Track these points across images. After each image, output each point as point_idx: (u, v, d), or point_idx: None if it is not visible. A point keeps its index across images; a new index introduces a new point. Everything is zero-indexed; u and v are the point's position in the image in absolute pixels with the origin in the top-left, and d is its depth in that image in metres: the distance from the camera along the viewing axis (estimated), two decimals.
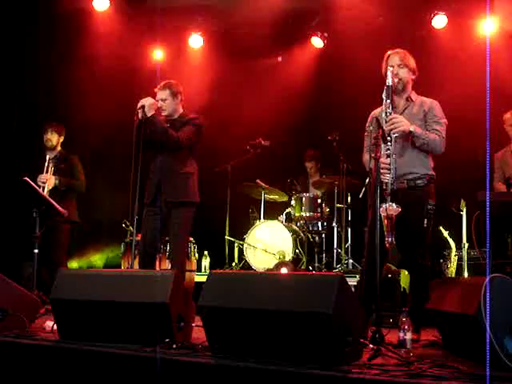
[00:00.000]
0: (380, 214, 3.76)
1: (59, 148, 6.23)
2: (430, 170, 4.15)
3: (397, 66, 4.14)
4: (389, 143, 3.93)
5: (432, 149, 4.08)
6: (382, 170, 3.87)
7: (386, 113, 4.02)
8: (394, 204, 3.77)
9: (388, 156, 3.93)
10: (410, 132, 3.99)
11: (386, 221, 3.78)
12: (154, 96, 4.95)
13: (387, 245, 3.77)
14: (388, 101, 4.02)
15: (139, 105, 4.71)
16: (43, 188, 5.76)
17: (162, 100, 4.94)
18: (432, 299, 3.77)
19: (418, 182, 4.07)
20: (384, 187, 3.87)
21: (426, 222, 4.03)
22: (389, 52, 4.24)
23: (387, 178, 3.89)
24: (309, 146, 7.68)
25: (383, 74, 4.19)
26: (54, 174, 5.92)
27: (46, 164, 5.93)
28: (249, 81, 7.76)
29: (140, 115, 4.67)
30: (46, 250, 5.70)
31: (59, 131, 6.24)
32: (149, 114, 4.69)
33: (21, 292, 4.21)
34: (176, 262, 4.88)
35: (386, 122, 3.97)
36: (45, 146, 6.18)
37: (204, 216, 7.38)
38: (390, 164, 3.91)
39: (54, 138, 6.19)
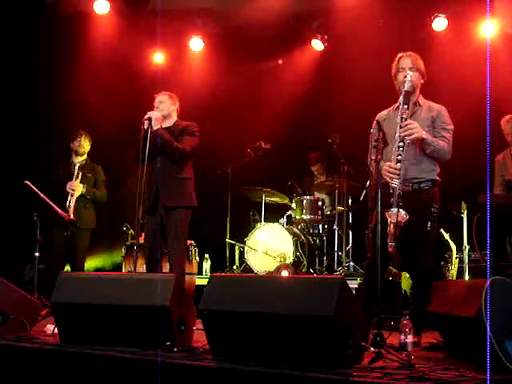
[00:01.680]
0: (386, 218, 3.79)
1: (86, 156, 6.30)
2: (436, 176, 4.16)
3: (408, 69, 4.13)
4: (401, 148, 3.94)
5: (440, 156, 4.10)
6: (390, 175, 3.91)
7: (402, 118, 4.01)
8: (402, 211, 3.79)
9: (399, 161, 3.94)
10: (423, 139, 4.00)
11: (392, 226, 3.80)
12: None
13: (390, 249, 3.79)
14: (405, 106, 4.01)
15: (146, 116, 4.91)
16: (71, 195, 5.90)
17: (160, 102, 5.15)
18: (433, 302, 3.77)
19: (423, 185, 4.09)
20: (391, 191, 3.90)
21: (429, 224, 4.04)
22: (400, 54, 4.23)
23: (395, 183, 3.91)
24: (309, 150, 7.68)
25: (393, 76, 4.21)
26: (81, 182, 6.04)
27: (76, 171, 6.04)
28: (249, 83, 7.77)
29: (146, 126, 4.87)
30: (71, 255, 6.02)
31: (90, 139, 6.33)
32: (155, 128, 4.89)
33: (22, 295, 4.21)
34: (175, 265, 4.91)
35: (400, 127, 3.98)
36: (76, 151, 6.24)
37: (205, 219, 7.40)
38: (399, 169, 3.92)
39: (86, 145, 6.29)
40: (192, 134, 5.09)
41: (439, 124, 4.12)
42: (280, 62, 8.39)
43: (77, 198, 5.94)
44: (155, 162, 5.02)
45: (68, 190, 5.91)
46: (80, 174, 6.03)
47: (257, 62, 8.10)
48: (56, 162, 6.43)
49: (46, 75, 7.37)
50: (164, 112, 5.11)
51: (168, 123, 5.15)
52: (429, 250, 4.10)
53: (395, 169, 3.91)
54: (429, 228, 4.03)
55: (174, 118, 5.23)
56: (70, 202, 5.86)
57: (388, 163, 3.95)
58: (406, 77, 4.05)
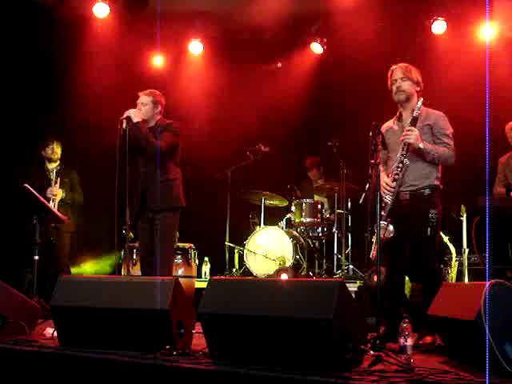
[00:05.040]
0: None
1: (59, 161, 6.41)
2: (437, 181, 4.18)
3: (399, 80, 4.22)
4: (399, 168, 4.04)
5: (442, 162, 4.15)
6: (386, 191, 4.07)
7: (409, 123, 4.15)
8: (391, 226, 4.00)
9: (395, 180, 4.07)
10: (419, 148, 4.04)
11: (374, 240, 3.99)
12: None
13: (372, 256, 4.04)
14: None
15: (125, 115, 4.83)
16: (53, 201, 6.00)
17: (142, 104, 5.04)
18: (433, 305, 3.77)
19: (421, 192, 4.12)
20: (383, 205, 4.04)
21: (429, 230, 4.03)
22: (393, 67, 4.32)
23: (388, 199, 4.06)
24: (308, 153, 7.69)
25: (389, 88, 4.30)
26: (60, 187, 6.15)
27: (54, 177, 6.17)
28: (248, 87, 7.77)
29: (124, 125, 4.79)
30: (53, 258, 6.13)
31: (60, 144, 6.43)
32: (135, 120, 4.82)
33: (21, 299, 4.20)
34: (162, 266, 4.84)
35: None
36: (50, 158, 6.36)
37: (204, 222, 7.42)
38: (394, 188, 4.06)
39: (59, 151, 6.41)
40: (171, 132, 4.97)
41: (438, 130, 4.16)
42: (279, 65, 8.40)
43: (59, 203, 6.08)
44: (138, 164, 4.99)
45: (48, 195, 6.02)
46: (58, 179, 6.15)
47: (256, 65, 8.10)
48: (29, 170, 6.52)
49: (46, 79, 7.36)
50: (146, 115, 4.98)
51: (150, 124, 5.03)
52: (432, 256, 4.10)
53: (391, 187, 4.07)
54: (429, 234, 4.02)
55: (156, 118, 5.08)
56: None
57: (386, 180, 4.11)
58: (398, 87, 4.19)
